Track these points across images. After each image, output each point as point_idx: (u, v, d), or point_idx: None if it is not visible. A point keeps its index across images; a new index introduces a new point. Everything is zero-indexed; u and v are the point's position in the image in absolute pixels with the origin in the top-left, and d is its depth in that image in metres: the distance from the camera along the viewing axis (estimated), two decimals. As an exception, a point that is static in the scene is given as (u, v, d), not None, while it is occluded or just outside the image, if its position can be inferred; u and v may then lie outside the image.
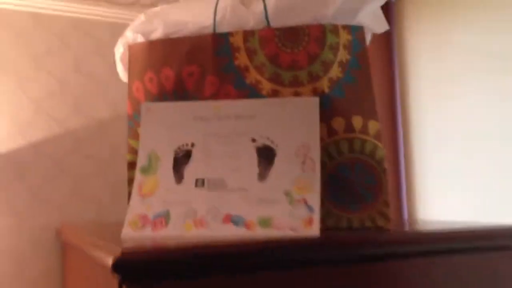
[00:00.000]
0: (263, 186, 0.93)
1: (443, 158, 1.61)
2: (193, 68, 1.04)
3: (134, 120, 1.08)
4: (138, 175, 1.00)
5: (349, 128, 0.97)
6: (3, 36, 1.53)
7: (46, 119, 1.58)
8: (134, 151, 1.07)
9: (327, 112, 0.97)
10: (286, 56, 0.98)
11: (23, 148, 1.53)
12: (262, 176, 0.93)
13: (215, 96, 1.02)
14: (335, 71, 0.98)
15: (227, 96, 1.01)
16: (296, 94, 0.98)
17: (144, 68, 1.07)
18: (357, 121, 0.97)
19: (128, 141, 1.09)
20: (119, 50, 1.15)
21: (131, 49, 1.11)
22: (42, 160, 1.57)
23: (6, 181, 1.52)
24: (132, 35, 1.10)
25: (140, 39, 1.09)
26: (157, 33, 1.07)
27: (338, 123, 0.97)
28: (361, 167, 0.98)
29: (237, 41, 1.01)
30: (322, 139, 0.97)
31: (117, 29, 1.50)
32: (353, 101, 0.98)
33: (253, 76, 1.00)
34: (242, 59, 1.01)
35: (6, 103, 1.52)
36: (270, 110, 0.98)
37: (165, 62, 1.05)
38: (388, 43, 1.71)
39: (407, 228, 1.12)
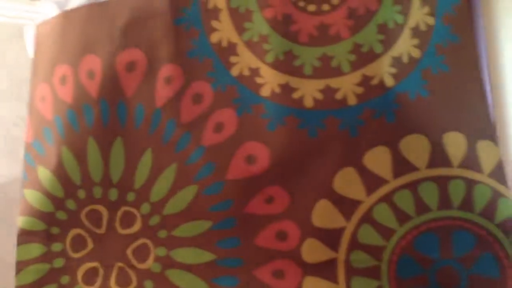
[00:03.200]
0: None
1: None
2: (135, 53, 0.60)
3: (33, 152, 0.64)
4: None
5: (440, 157, 0.52)
6: None
7: None
8: (31, 212, 0.62)
9: (392, 125, 0.52)
10: (306, 19, 0.55)
11: None
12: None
13: (175, 104, 0.58)
14: (405, 46, 0.53)
15: (197, 101, 0.57)
16: (328, 91, 0.53)
17: (53, 59, 0.65)
18: (455, 144, 0.52)
19: (22, 193, 0.64)
20: (29, 39, 0.73)
21: (38, 31, 0.69)
22: None
23: None
24: (45, 9, 0.69)
25: (54, 12, 0.67)
26: (79, -1, 0.65)
27: (416, 148, 0.52)
28: (466, 241, 0.51)
29: (215, -3, 0.59)
30: (382, 181, 0.52)
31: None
32: (445, 105, 0.53)
33: (245, 61, 0.56)
34: (224, 30, 0.57)
35: None
36: None
37: (87, 45, 0.62)
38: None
39: None
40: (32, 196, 0.63)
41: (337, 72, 0.52)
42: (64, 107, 0.62)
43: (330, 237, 0.54)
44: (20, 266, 0.63)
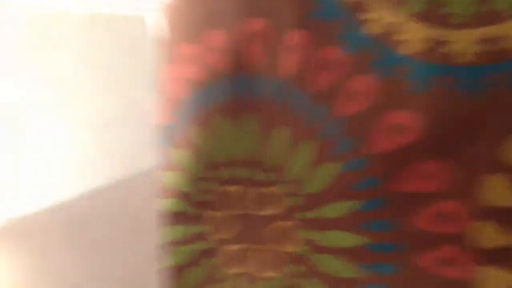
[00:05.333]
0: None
1: None
2: (260, 22, 0.56)
3: (168, 135, 0.65)
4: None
5: None
6: (63, 43, 1.24)
7: (114, 156, 1.24)
8: (174, 193, 0.64)
9: None
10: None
11: (82, 197, 1.21)
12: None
13: (305, 73, 0.53)
14: None
15: (329, 68, 0.52)
16: (487, 42, 0.44)
17: (179, 39, 0.64)
18: None
19: (162, 175, 0.66)
20: (152, 24, 0.73)
21: (167, 11, 0.68)
22: (109, 216, 1.23)
23: (60, 243, 1.21)
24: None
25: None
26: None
27: None
28: None
29: None
30: None
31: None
32: None
33: (380, 16, 0.49)
34: (353, -17, 0.51)
35: (61, 134, 1.22)
36: None
37: (211, 20, 0.60)
38: None
39: None
40: (172, 178, 0.64)
41: (496, 18, 0.42)
42: (195, 86, 0.61)
43: (507, 218, 0.46)
44: (168, 247, 0.65)
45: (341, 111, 0.51)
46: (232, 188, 0.60)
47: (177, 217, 0.65)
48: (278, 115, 0.56)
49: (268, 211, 0.58)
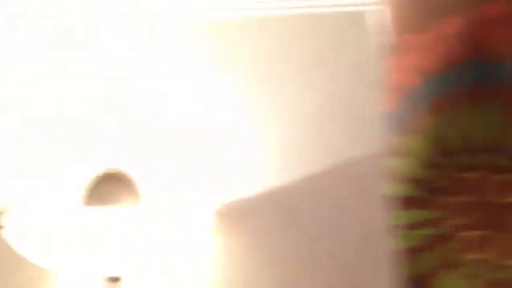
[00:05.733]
0: None
1: None
2: (499, 6, 0.55)
3: (397, 122, 0.67)
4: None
5: None
6: (264, 46, 1.33)
7: (319, 146, 1.28)
8: (405, 178, 0.66)
9: None
10: None
11: (291, 185, 1.27)
12: None
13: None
14: None
15: None
16: None
17: (407, 27, 0.65)
18: None
19: (389, 162, 0.68)
20: (373, 21, 0.75)
21: (390, 4, 0.70)
22: (317, 203, 1.26)
23: (271, 230, 1.28)
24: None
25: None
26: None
27: None
28: None
29: None
30: None
31: None
32: None
33: None
34: None
35: (270, 127, 1.31)
36: None
37: (445, 7, 0.60)
38: None
39: None
40: (402, 164, 0.66)
41: None
42: (426, 73, 0.62)
43: None
44: (398, 230, 0.68)
45: None
46: (471, 175, 0.60)
47: (408, 202, 0.67)
48: None
49: None
